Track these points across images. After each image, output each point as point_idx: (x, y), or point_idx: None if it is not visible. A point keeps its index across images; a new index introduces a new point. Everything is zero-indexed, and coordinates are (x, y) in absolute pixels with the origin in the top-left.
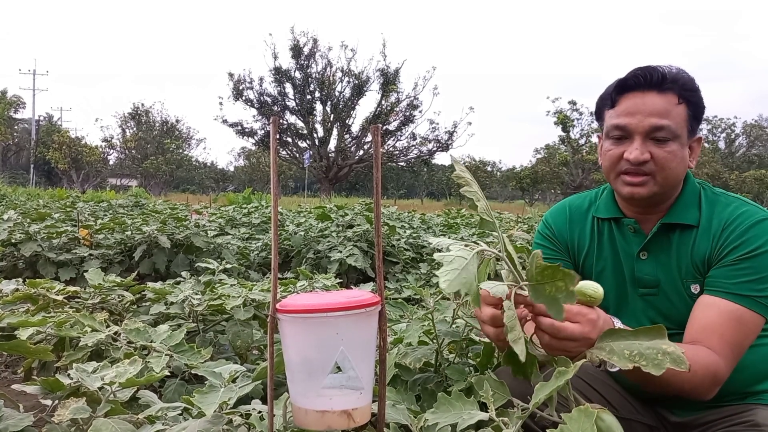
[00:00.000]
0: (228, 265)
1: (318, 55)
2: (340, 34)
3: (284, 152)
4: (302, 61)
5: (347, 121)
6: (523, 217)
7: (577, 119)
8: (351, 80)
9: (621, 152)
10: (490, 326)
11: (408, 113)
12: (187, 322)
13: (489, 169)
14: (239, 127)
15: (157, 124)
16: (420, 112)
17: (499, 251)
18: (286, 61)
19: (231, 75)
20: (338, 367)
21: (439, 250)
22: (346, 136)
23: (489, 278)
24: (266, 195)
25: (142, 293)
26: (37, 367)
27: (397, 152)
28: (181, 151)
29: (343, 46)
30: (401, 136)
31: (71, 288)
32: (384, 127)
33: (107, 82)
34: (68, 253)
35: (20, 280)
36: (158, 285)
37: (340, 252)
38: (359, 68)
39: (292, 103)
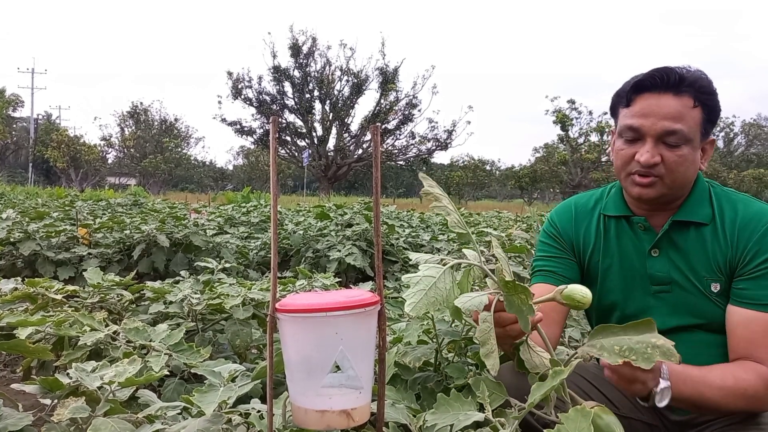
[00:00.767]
0: (227, 264)
1: (317, 53)
2: (339, 32)
3: (283, 151)
4: (301, 60)
5: (346, 120)
6: (521, 216)
7: (576, 118)
8: (350, 79)
9: (633, 153)
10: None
11: (407, 112)
12: (186, 322)
13: (488, 168)
14: (238, 126)
15: (156, 123)
16: (419, 111)
17: (490, 257)
18: (285, 60)
19: (230, 74)
20: (337, 367)
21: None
22: (345, 134)
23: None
24: (265, 194)
25: (141, 292)
26: (36, 367)
27: (396, 151)
28: (179, 149)
29: (342, 45)
30: (400, 135)
31: (70, 287)
32: (383, 126)
33: (107, 82)
34: (67, 252)
35: (19, 279)
36: (157, 284)
37: (339, 251)
38: (358, 67)
39: (291, 102)
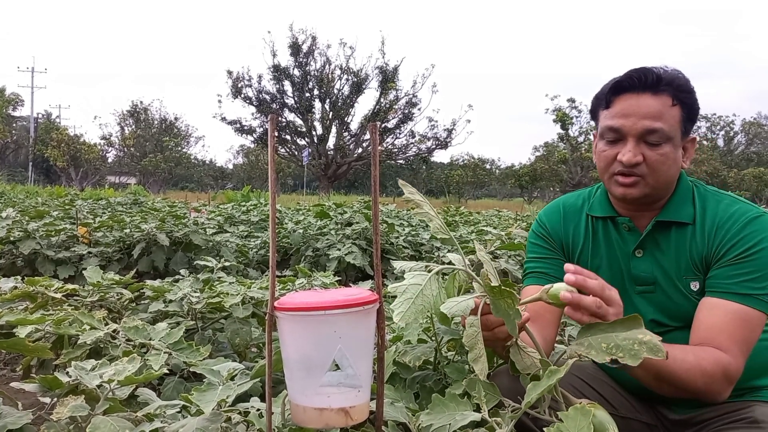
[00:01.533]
0: (227, 263)
1: (317, 52)
2: (339, 31)
3: (283, 150)
4: (301, 59)
5: (346, 119)
6: (521, 214)
7: (576, 117)
8: (350, 78)
9: (615, 154)
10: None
11: (407, 111)
12: (185, 320)
13: (488, 166)
14: (238, 125)
15: (156, 122)
16: (419, 109)
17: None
18: (285, 59)
19: (230, 73)
20: (336, 365)
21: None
22: (345, 133)
23: (468, 290)
24: (265, 193)
25: (141, 291)
26: (36, 365)
27: (395, 150)
28: (179, 148)
29: (341, 44)
30: (400, 133)
31: (70, 286)
32: (383, 125)
33: (107, 82)
34: (67, 251)
35: (19, 277)
36: (157, 283)
37: (339, 250)
38: (358, 66)
39: (290, 101)
